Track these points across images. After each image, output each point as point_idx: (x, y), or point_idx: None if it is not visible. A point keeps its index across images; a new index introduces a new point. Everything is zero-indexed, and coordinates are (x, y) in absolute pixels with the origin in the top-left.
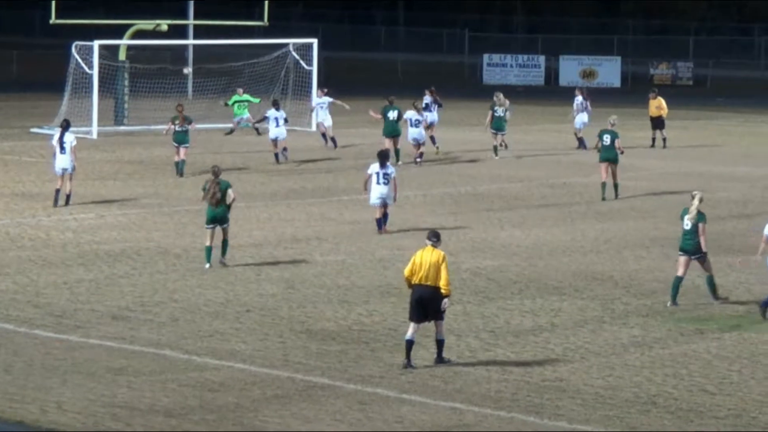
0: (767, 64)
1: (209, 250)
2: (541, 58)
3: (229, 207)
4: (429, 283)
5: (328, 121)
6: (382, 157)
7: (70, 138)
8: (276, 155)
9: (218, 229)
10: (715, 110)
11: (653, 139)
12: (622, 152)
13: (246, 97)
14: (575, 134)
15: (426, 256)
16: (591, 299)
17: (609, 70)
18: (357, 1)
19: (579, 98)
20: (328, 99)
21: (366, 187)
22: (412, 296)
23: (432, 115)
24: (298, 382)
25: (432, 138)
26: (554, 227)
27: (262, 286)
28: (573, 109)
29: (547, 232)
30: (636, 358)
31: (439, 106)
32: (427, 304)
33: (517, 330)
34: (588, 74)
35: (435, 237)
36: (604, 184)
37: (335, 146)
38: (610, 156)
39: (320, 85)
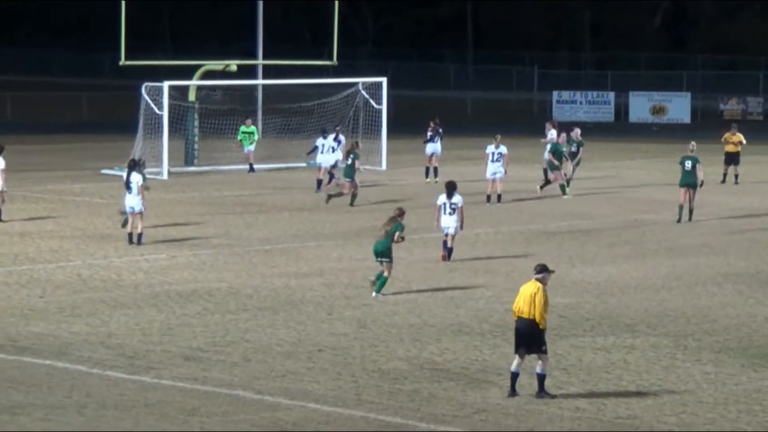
0: None
1: (383, 280)
2: (611, 95)
3: (389, 244)
4: (524, 315)
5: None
6: (449, 188)
7: (137, 178)
8: (318, 182)
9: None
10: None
11: (724, 175)
12: (701, 183)
13: (253, 129)
14: (545, 170)
15: (525, 289)
16: (663, 336)
17: (679, 106)
18: (425, 40)
19: (552, 132)
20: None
21: (437, 217)
22: (515, 327)
23: (434, 146)
24: (372, 422)
25: (435, 169)
26: (625, 264)
27: (334, 325)
28: (546, 141)
29: (618, 268)
30: (709, 394)
31: (440, 137)
32: (523, 336)
33: (590, 367)
34: (658, 110)
35: (535, 269)
36: (681, 207)
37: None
38: (690, 181)
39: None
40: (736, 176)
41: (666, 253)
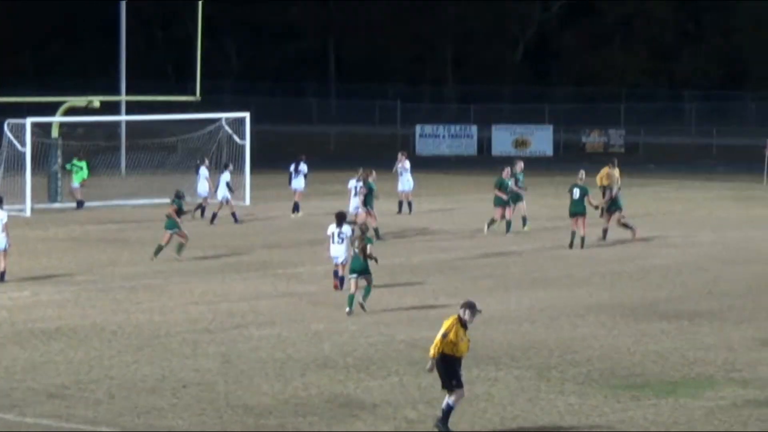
0: (698, 130)
1: (351, 297)
2: (474, 128)
3: (367, 260)
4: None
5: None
6: (339, 218)
7: (1, 215)
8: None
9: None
10: (648, 177)
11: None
12: (596, 207)
13: (83, 164)
14: (401, 199)
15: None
16: (527, 368)
17: (541, 139)
18: (288, 74)
19: (402, 162)
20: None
21: (327, 247)
22: None
23: (297, 182)
24: None
25: (296, 204)
26: (489, 296)
27: (199, 361)
28: (397, 172)
29: (482, 301)
30: (573, 426)
31: (304, 174)
32: (437, 369)
33: None
34: (521, 143)
35: (463, 303)
36: (573, 233)
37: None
38: (578, 209)
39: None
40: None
41: (529, 285)
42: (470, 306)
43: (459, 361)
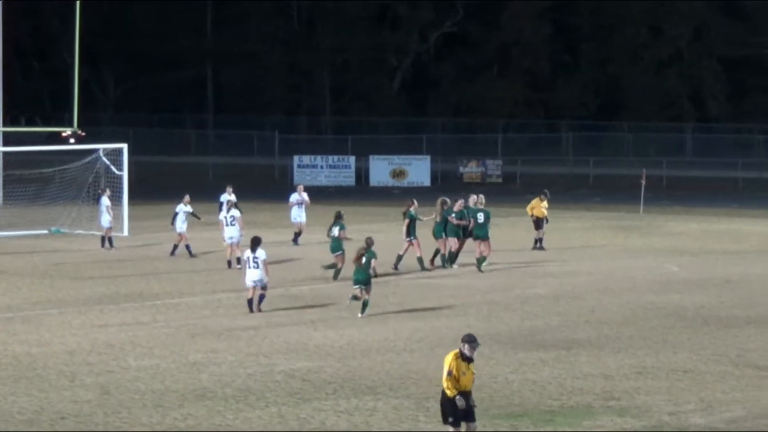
0: (574, 160)
1: (366, 302)
2: (351, 159)
3: (369, 272)
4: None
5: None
6: (254, 243)
7: None
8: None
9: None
10: (525, 207)
11: (537, 240)
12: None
13: None
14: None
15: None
16: (405, 398)
17: (419, 169)
18: (167, 104)
19: (299, 194)
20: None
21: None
22: None
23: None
24: None
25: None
26: (367, 326)
27: (77, 392)
28: (293, 204)
29: (360, 331)
30: None
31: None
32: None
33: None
34: (398, 174)
35: (463, 338)
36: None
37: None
38: (482, 233)
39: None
40: (541, 240)
41: (407, 315)
42: (470, 340)
43: (468, 396)
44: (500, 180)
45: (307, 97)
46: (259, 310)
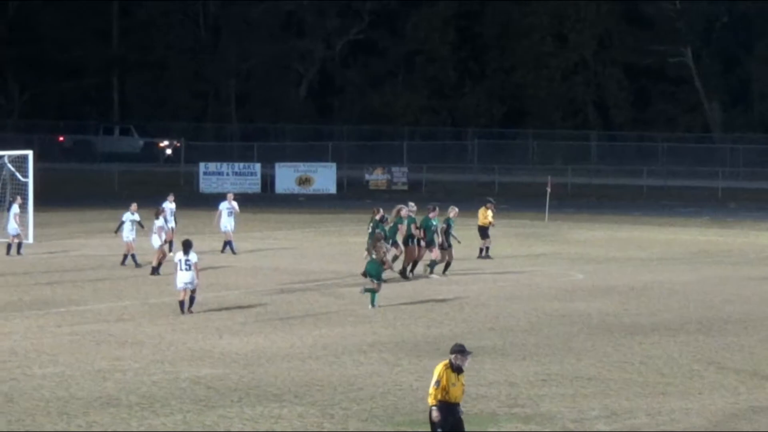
0: (480, 168)
1: (374, 294)
2: (257, 166)
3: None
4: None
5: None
6: (186, 246)
7: None
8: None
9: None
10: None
11: (484, 249)
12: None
13: None
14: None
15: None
16: (310, 405)
17: (325, 177)
18: (72, 112)
19: (229, 202)
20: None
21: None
22: None
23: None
24: None
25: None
26: (272, 334)
27: None
28: (220, 213)
29: (266, 338)
30: None
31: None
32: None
33: None
34: (304, 181)
35: (452, 349)
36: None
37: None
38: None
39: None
40: (487, 249)
41: (312, 322)
42: (460, 350)
43: (454, 407)
44: (406, 187)
45: (213, 104)
46: (190, 312)
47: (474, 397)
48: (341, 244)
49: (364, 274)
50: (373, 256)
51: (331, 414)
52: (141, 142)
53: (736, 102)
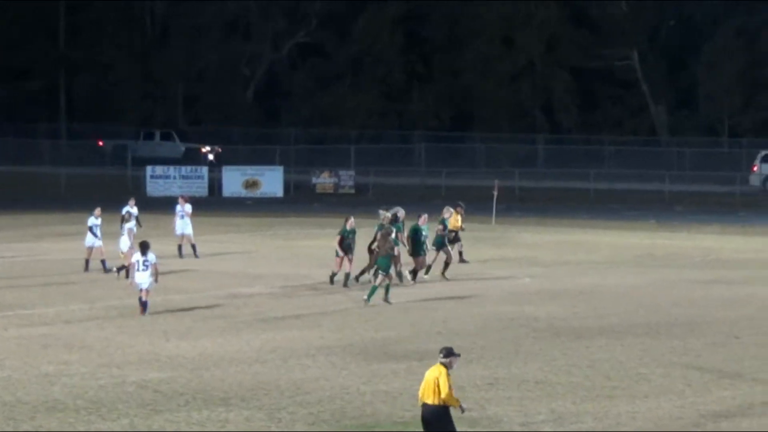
0: (427, 171)
1: (388, 287)
2: (204, 169)
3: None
4: (428, 401)
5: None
6: (143, 247)
7: None
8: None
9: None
10: (377, 218)
11: (459, 253)
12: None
13: None
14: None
15: (429, 373)
16: (257, 409)
17: (272, 180)
18: (19, 113)
19: (181, 205)
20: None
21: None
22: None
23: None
24: None
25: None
26: (220, 337)
27: None
28: (176, 216)
29: (213, 342)
30: None
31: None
32: (428, 422)
33: None
34: (251, 184)
35: (441, 352)
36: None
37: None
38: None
39: None
40: (461, 253)
41: (260, 326)
42: (452, 353)
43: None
44: (353, 191)
45: (161, 107)
46: (144, 314)
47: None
48: (289, 247)
49: (376, 271)
50: (387, 251)
51: (278, 418)
52: (182, 148)
53: (683, 105)
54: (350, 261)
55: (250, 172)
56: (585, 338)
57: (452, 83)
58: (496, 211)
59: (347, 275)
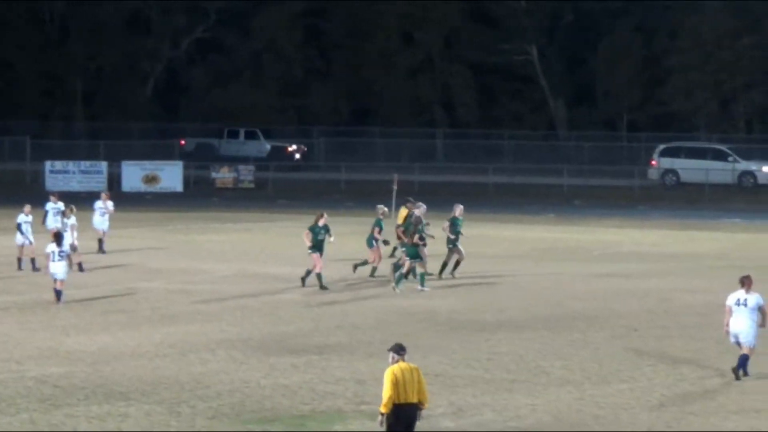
0: (326, 166)
1: (401, 276)
2: (104, 165)
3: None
4: (413, 400)
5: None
6: (57, 238)
7: None
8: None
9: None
10: (277, 212)
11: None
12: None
13: None
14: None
15: (406, 372)
16: (157, 403)
17: (171, 175)
18: None
19: (103, 202)
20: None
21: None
22: (394, 416)
23: (49, 221)
24: None
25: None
26: (120, 332)
27: None
28: (96, 213)
29: (113, 336)
30: None
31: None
32: (412, 422)
33: None
34: (151, 179)
35: (403, 350)
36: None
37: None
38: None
39: None
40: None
41: (160, 321)
42: (404, 348)
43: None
44: (252, 185)
45: (60, 103)
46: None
47: (321, 394)
48: (188, 242)
49: (396, 265)
50: (413, 240)
51: (178, 412)
52: (268, 146)
53: (581, 100)
54: (319, 260)
55: (149, 167)
56: (485, 331)
57: (351, 78)
58: (395, 205)
59: (319, 275)
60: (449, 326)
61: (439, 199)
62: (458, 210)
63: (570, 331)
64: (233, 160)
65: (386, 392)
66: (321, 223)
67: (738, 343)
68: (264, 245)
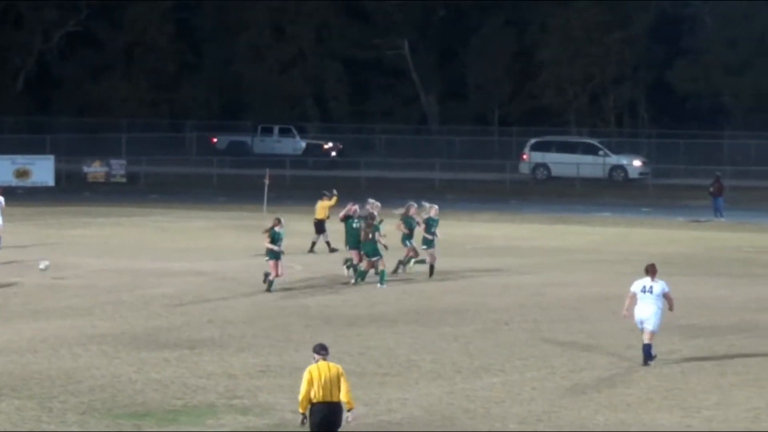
0: (198, 160)
1: (363, 272)
2: None
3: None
4: (333, 399)
5: None
6: None
7: None
8: None
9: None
10: (149, 207)
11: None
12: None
13: None
14: None
15: (324, 372)
16: (28, 399)
17: (43, 169)
18: None
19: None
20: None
21: None
22: (313, 417)
23: None
24: None
25: None
26: None
27: None
28: None
29: None
30: None
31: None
32: (333, 421)
33: None
34: (22, 174)
35: (325, 350)
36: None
37: None
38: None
39: None
40: (328, 243)
41: (31, 316)
42: (326, 348)
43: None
44: (124, 180)
45: None
46: None
47: (193, 389)
48: (60, 236)
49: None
50: (369, 236)
51: (49, 407)
52: (303, 144)
53: (452, 94)
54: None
55: (21, 161)
56: (356, 326)
57: (223, 72)
58: (268, 199)
59: (270, 281)
60: (321, 320)
61: (309, 193)
62: (433, 210)
63: (440, 325)
64: (268, 158)
65: (301, 392)
66: (278, 229)
67: (642, 329)
68: (136, 240)
